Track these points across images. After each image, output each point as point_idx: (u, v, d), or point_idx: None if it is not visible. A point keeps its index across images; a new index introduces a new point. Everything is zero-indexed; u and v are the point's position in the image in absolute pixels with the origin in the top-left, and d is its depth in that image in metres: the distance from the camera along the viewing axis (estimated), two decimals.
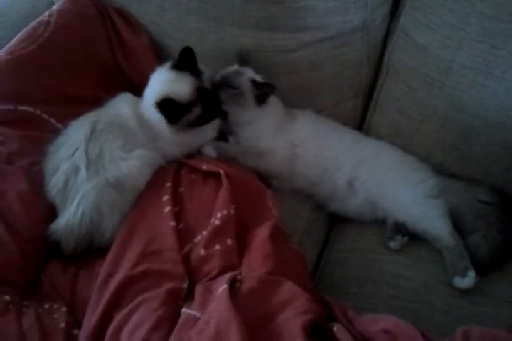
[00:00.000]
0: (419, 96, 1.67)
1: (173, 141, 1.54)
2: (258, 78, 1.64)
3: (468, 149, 1.64)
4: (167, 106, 1.47)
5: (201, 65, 1.57)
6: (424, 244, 1.55)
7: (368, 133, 1.83)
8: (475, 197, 1.58)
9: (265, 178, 1.63)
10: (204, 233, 1.36)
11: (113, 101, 1.58)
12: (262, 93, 1.60)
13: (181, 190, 1.48)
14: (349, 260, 1.58)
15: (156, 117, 1.49)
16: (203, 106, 1.53)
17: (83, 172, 1.41)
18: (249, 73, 1.64)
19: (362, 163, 1.64)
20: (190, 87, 1.51)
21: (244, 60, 1.66)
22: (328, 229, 1.75)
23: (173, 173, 1.51)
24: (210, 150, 1.61)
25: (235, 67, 1.66)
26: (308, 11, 1.64)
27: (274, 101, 1.68)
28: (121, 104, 1.56)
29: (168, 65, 1.55)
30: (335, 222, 1.76)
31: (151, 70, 1.63)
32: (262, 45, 1.70)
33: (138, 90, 1.62)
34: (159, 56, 1.79)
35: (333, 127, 1.75)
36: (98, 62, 1.75)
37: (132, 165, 1.46)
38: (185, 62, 1.53)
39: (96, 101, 1.57)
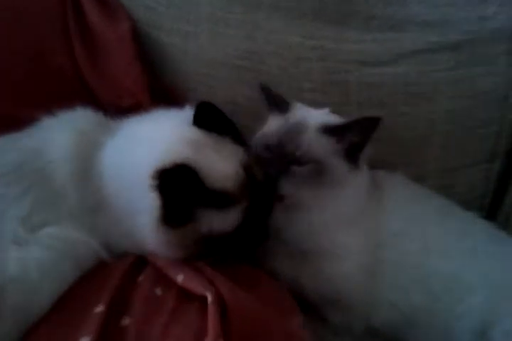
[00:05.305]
0: None
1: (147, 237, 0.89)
2: (329, 118, 1.00)
3: None
4: (179, 184, 0.80)
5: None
6: None
7: (507, 227, 1.16)
8: None
9: (314, 306, 0.99)
10: None
11: (47, 123, 1.00)
12: (360, 141, 0.94)
13: (126, 322, 0.79)
14: None
15: (140, 190, 0.84)
16: (248, 212, 0.85)
17: None
18: (311, 117, 0.98)
19: (507, 290, 0.94)
20: (235, 167, 0.87)
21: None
22: None
23: (117, 281, 0.85)
24: None
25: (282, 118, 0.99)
26: None
27: None
28: (61, 131, 0.97)
29: (186, 114, 0.94)
30: None
31: (128, 79, 1.15)
32: (322, 49, 1.11)
33: (103, 108, 1.08)
34: (146, 60, 1.22)
35: (448, 210, 1.08)
36: (45, 59, 1.23)
37: (32, 257, 0.83)
38: (212, 121, 0.90)
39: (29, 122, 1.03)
